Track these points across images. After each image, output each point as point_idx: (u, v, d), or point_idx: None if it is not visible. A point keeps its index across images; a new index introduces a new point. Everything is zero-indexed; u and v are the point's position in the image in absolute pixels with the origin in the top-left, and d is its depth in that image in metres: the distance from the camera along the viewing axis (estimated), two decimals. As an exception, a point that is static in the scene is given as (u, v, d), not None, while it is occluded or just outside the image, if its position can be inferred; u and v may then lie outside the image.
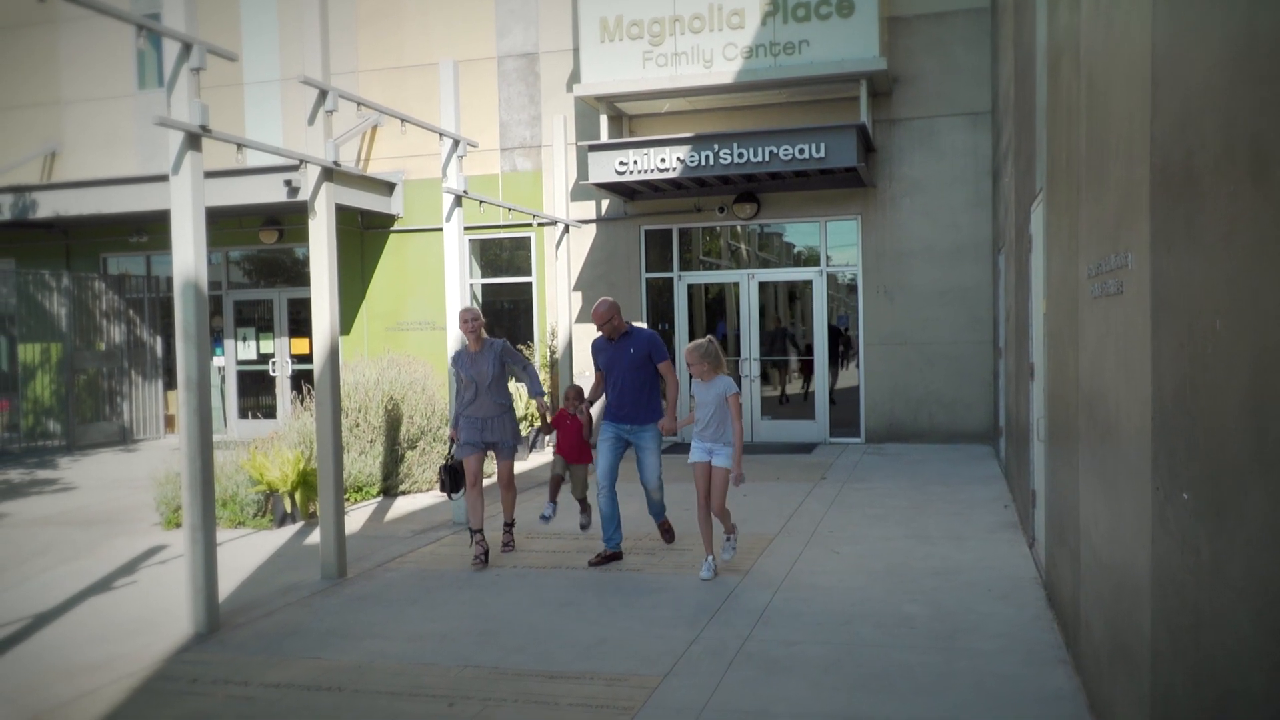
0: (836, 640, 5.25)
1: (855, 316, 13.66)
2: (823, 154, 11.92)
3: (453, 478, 7.41)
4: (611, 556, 7.07)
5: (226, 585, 6.69)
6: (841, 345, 13.89)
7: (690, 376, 6.97)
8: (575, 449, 7.41)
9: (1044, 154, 5.94)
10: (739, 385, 13.93)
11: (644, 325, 7.50)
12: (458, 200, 8.84)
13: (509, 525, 7.54)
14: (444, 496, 9.19)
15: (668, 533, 7.54)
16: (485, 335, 7.40)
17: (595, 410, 8.93)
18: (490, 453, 7.48)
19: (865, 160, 12.48)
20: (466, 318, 7.24)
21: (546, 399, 7.71)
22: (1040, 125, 6.15)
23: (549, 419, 7.43)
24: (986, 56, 12.78)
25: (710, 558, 6.61)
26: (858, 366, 13.64)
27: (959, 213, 13.02)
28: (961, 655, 4.96)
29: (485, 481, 9.10)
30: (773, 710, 4.35)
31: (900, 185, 13.22)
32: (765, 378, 14.16)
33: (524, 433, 11.68)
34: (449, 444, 7.52)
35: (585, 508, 7.62)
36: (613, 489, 7.10)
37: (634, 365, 7.04)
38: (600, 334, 7.21)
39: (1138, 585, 3.15)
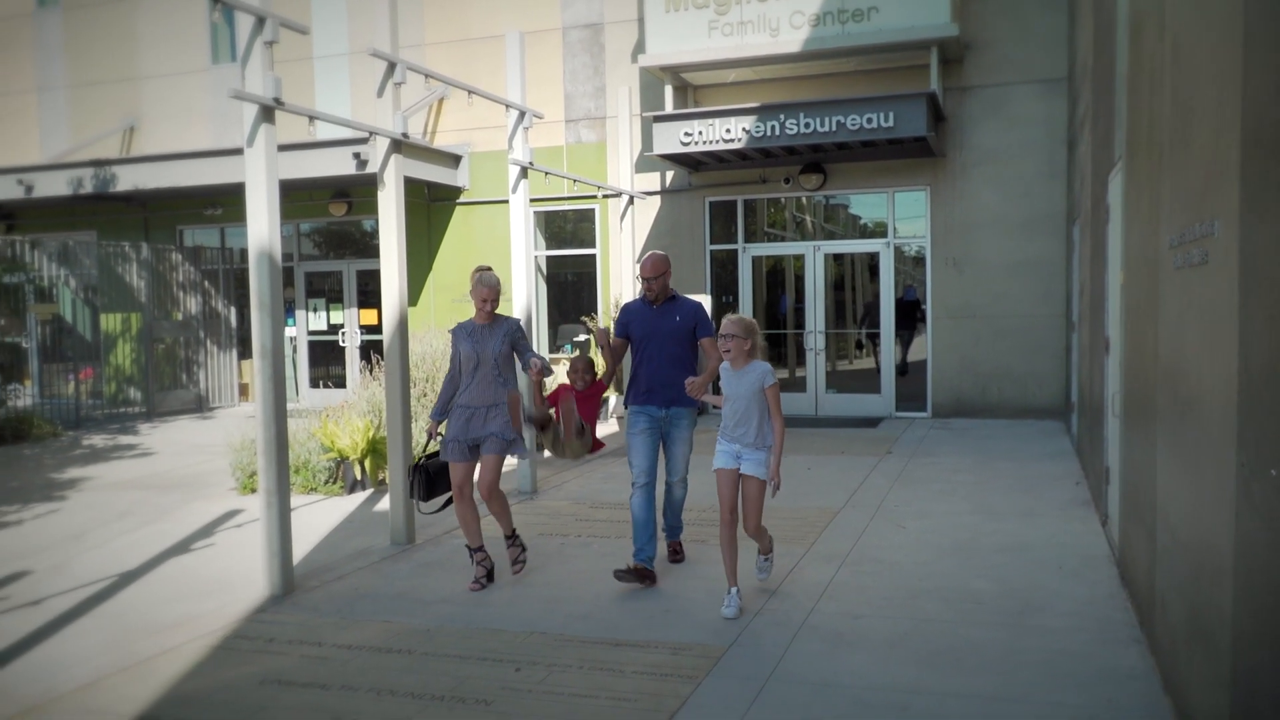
0: (903, 615, 5.22)
1: (923, 289, 13.46)
2: (891, 123, 11.72)
3: (427, 482, 6.12)
4: (642, 571, 5.79)
5: (300, 549, 6.86)
6: (919, 316, 13.67)
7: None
8: (586, 416, 6.27)
9: (1124, 121, 5.77)
10: (798, 361, 13.84)
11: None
12: (523, 172, 8.87)
13: (511, 538, 6.18)
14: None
15: (677, 554, 6.36)
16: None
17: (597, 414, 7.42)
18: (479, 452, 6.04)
19: (935, 129, 12.25)
20: (485, 284, 5.96)
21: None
22: (1120, 92, 5.96)
23: (542, 394, 6.24)
24: (1063, 21, 12.42)
25: (734, 590, 5.32)
26: (925, 340, 13.46)
27: (1031, 183, 12.71)
28: (1031, 633, 4.89)
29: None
30: (838, 682, 4.34)
31: (971, 155, 12.95)
32: (829, 350, 14.04)
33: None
34: (425, 438, 6.22)
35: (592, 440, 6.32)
36: (652, 488, 5.96)
37: (676, 337, 6.07)
38: (634, 299, 6.32)
39: (1219, 565, 3.07)
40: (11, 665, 4.88)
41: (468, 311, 5.67)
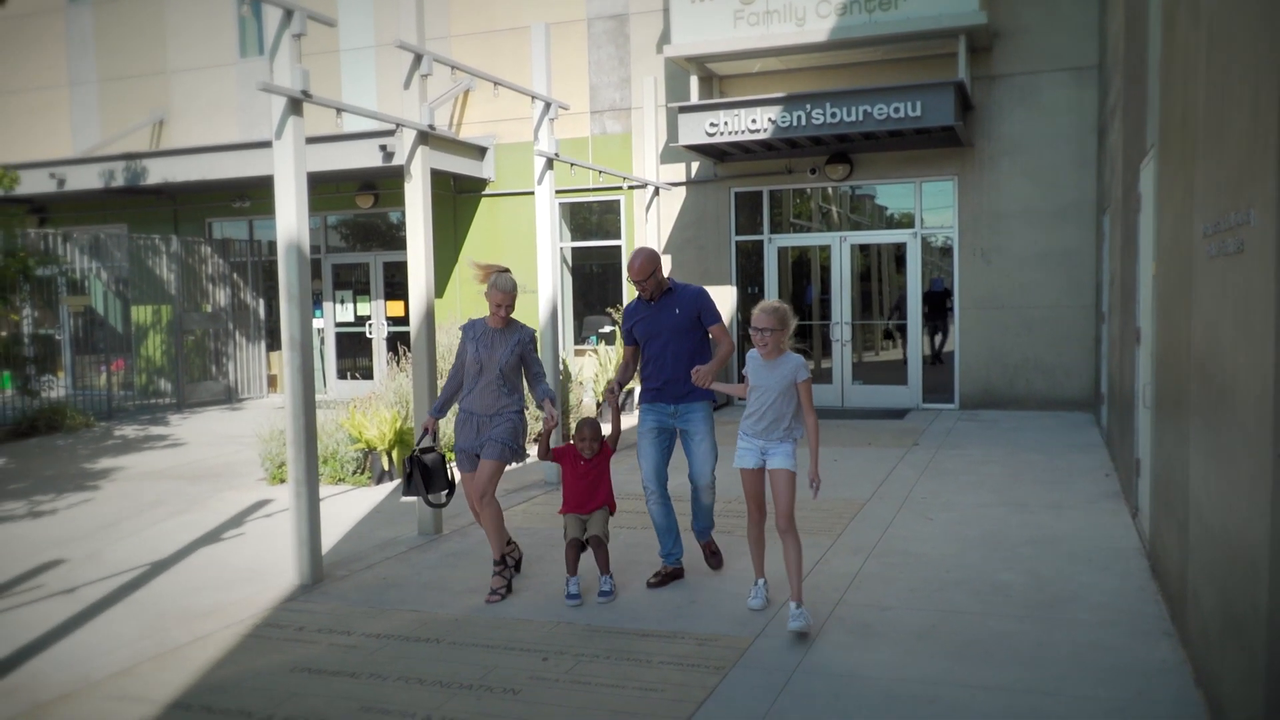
0: (930, 607, 5.20)
1: (950, 280, 13.36)
2: (919, 113, 11.63)
3: (425, 474, 5.73)
4: (673, 574, 5.78)
5: (328, 539, 6.91)
6: (949, 306, 13.59)
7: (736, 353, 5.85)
8: (582, 498, 5.60)
9: (1156, 109, 5.70)
10: (824, 352, 13.78)
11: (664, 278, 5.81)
12: (549, 163, 8.88)
13: (500, 564, 5.68)
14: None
15: (714, 555, 5.98)
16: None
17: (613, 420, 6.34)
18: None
19: (963, 119, 12.14)
20: (501, 289, 5.60)
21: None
22: (1153, 79, 5.89)
23: (549, 444, 5.65)
24: (1093, 8, 12.27)
25: (761, 581, 5.26)
26: (952, 331, 13.38)
27: (1061, 172, 12.59)
28: (1060, 625, 4.86)
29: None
30: (865, 674, 4.33)
31: (999, 144, 12.83)
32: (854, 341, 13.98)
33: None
34: (421, 432, 5.85)
35: (600, 556, 5.56)
36: (664, 492, 5.79)
37: (680, 330, 5.71)
38: (634, 300, 5.92)
39: (1254, 557, 3.04)
40: (47, 652, 4.96)
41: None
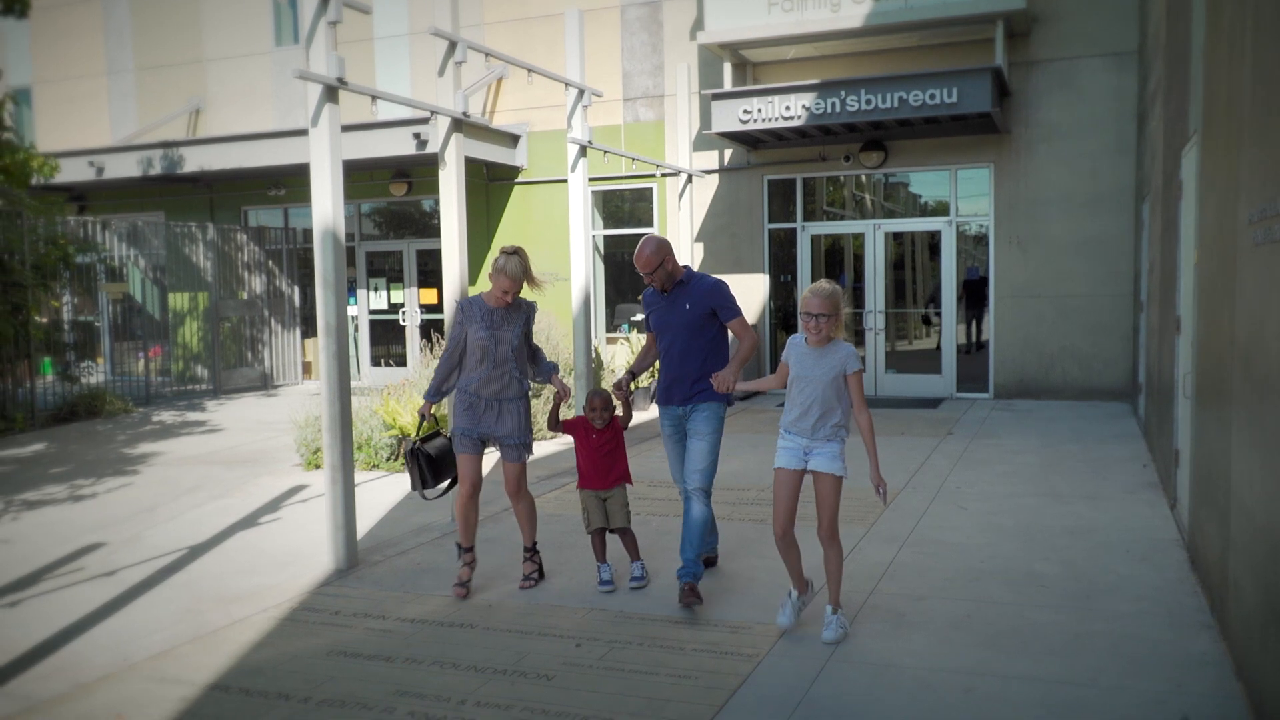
0: (965, 597, 5.16)
1: (985, 268, 13.23)
2: (955, 99, 11.51)
3: (433, 467, 5.49)
4: (708, 562, 5.72)
5: (363, 524, 6.97)
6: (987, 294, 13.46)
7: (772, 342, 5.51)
8: (599, 471, 5.45)
9: (1199, 94, 5.59)
10: (857, 341, 13.70)
11: (686, 267, 5.46)
12: (582, 151, 8.87)
13: (531, 550, 5.63)
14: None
15: (692, 593, 5.03)
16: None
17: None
18: (492, 449, 5.59)
19: (1000, 105, 11.99)
20: (508, 275, 5.23)
21: (567, 382, 5.61)
22: (1196, 63, 5.78)
23: (558, 416, 5.57)
24: (1134, -8, 12.08)
25: (793, 594, 4.70)
26: (988, 319, 13.26)
27: (1099, 159, 12.41)
28: (1097, 616, 4.81)
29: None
30: (900, 663, 4.31)
31: (1036, 131, 12.67)
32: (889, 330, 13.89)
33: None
34: (419, 420, 5.56)
35: (628, 543, 5.52)
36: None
37: (690, 327, 5.28)
38: (650, 288, 5.55)
39: (1298, 548, 2.99)
40: (88, 633, 5.04)
41: (525, 291, 5.44)
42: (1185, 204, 6.32)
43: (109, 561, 6.38)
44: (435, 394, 5.45)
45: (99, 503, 8.13)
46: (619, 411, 5.51)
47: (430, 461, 5.49)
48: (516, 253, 5.30)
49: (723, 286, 5.41)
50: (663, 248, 5.29)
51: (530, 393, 5.48)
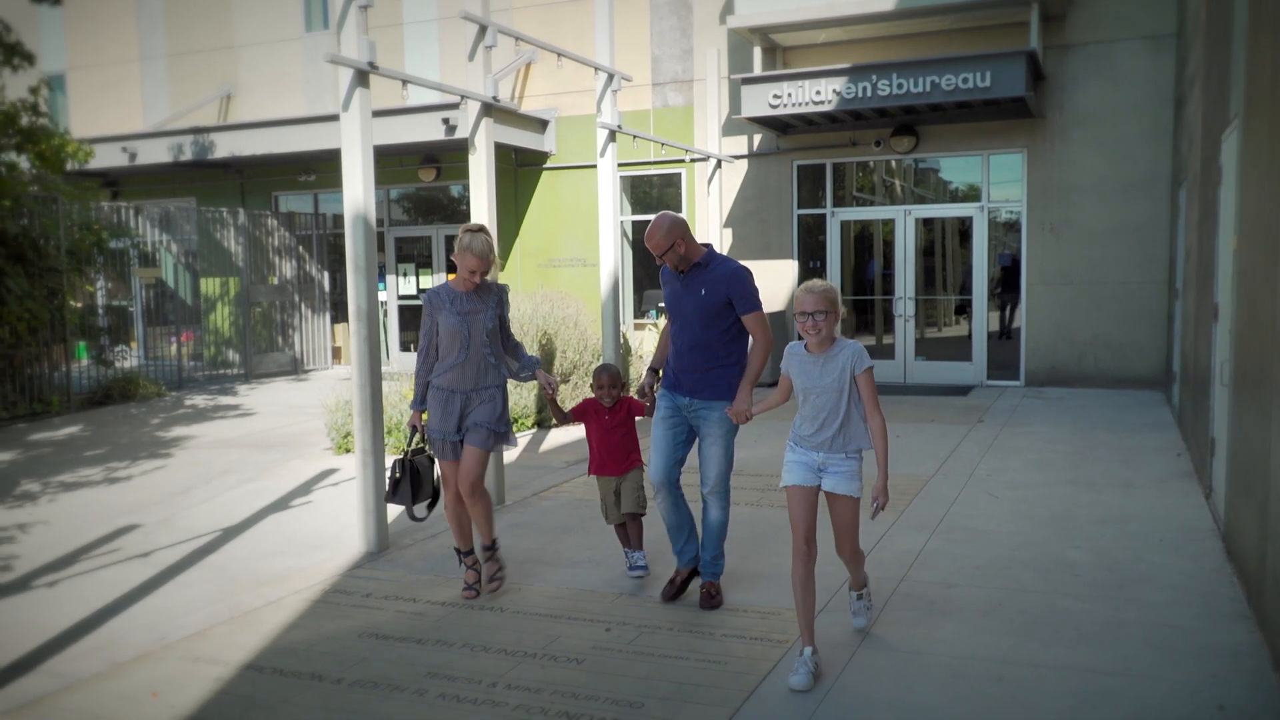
0: (996, 585, 5.13)
1: (1016, 254, 13.10)
2: (988, 83, 11.37)
3: (413, 480, 5.17)
4: (689, 578, 5.06)
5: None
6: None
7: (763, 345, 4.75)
8: (613, 454, 5.24)
9: (1242, 77, 5.49)
10: (886, 328, 13.61)
11: (711, 251, 4.92)
12: (611, 136, 8.85)
13: (490, 549, 5.26)
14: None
15: (712, 597, 4.91)
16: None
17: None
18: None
19: (1034, 89, 11.84)
20: (476, 253, 4.90)
21: (554, 379, 5.11)
22: (1238, 45, 5.68)
23: (565, 408, 5.27)
24: (1173, -26, 11.87)
25: (808, 651, 4.05)
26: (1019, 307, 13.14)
27: (1135, 144, 12.24)
28: (1131, 605, 4.76)
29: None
30: (931, 650, 4.29)
31: (1071, 116, 12.51)
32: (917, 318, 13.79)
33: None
34: (409, 433, 5.19)
35: (634, 529, 5.34)
36: (675, 490, 4.98)
37: (704, 315, 4.79)
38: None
39: (1341, 538, 2.94)
40: (125, 613, 5.11)
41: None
42: (1225, 189, 6.22)
43: (144, 543, 6.47)
44: (421, 401, 5.11)
45: (133, 485, 8.23)
46: (646, 403, 5.18)
47: (415, 477, 5.15)
48: (482, 230, 4.98)
49: (744, 274, 4.83)
50: (675, 229, 4.76)
51: (507, 382, 5.15)
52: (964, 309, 13.57)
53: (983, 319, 13.30)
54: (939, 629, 4.55)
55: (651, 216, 15.00)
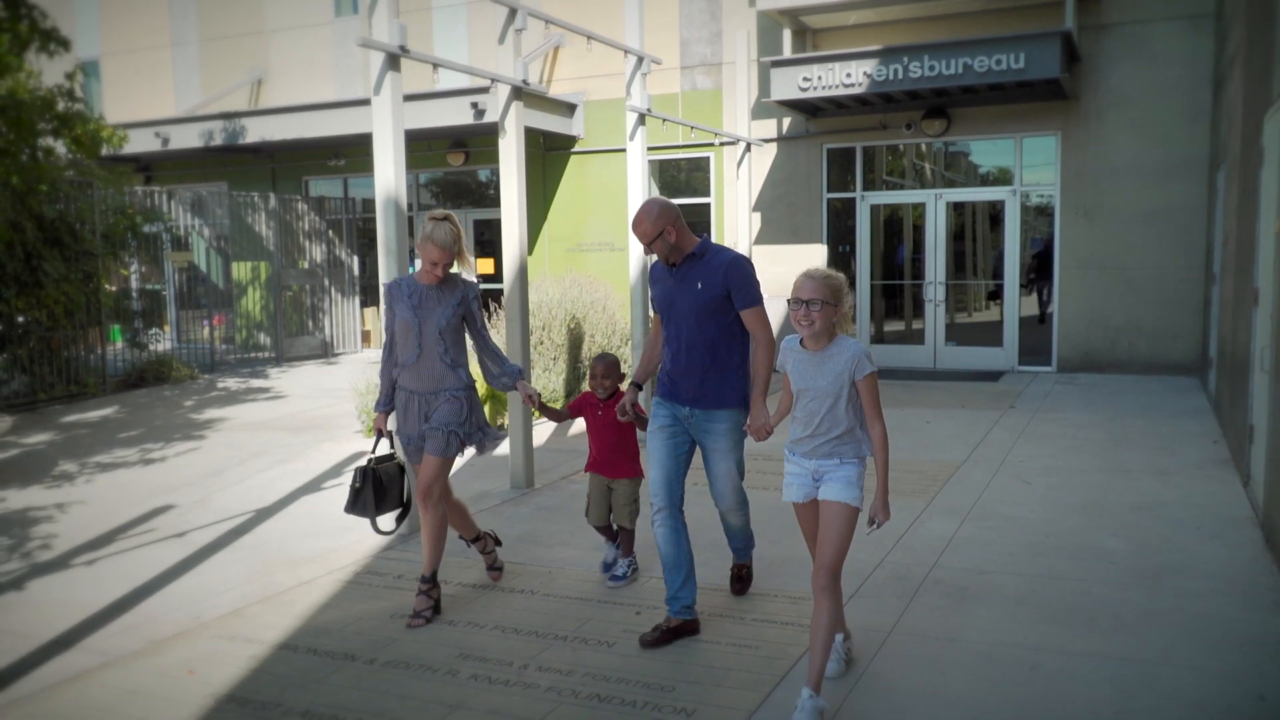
0: (1030, 572, 5.09)
1: (1048, 238, 12.95)
2: (1022, 65, 11.22)
3: (377, 491, 4.73)
4: (679, 629, 4.29)
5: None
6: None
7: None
8: (606, 455, 4.95)
9: (1285, 56, 5.39)
10: (916, 313, 13.50)
11: (703, 240, 4.40)
12: (641, 119, 8.81)
13: (479, 539, 5.04)
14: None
15: (741, 581, 4.81)
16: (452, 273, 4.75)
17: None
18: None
19: (1068, 71, 11.68)
20: (436, 243, 4.47)
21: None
22: (1282, 24, 5.56)
23: (555, 406, 4.84)
24: (1212, -48, 11.66)
25: (839, 638, 3.93)
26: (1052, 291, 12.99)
27: (1171, 127, 12.04)
28: (1168, 594, 4.71)
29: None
30: (963, 637, 4.27)
31: (1106, 98, 12.32)
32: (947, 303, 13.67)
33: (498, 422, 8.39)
34: (376, 437, 4.80)
35: (623, 539, 5.05)
36: (676, 512, 4.37)
37: (701, 310, 4.28)
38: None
39: (1389, 527, 2.88)
40: (161, 592, 5.18)
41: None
42: (1267, 171, 6.10)
43: (179, 523, 6.54)
44: (388, 402, 4.73)
45: (168, 466, 8.33)
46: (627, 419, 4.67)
47: (379, 487, 4.72)
48: (447, 218, 4.54)
49: (744, 263, 4.32)
50: (666, 214, 4.25)
51: (474, 383, 4.72)
52: (996, 294, 13.45)
53: (1014, 304, 13.17)
54: (971, 616, 4.52)
55: (680, 201, 14.96)
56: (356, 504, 4.77)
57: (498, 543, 5.17)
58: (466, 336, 4.77)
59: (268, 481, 7.67)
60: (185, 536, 6.21)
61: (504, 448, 8.50)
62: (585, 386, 4.75)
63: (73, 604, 5.00)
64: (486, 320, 4.87)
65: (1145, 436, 8.45)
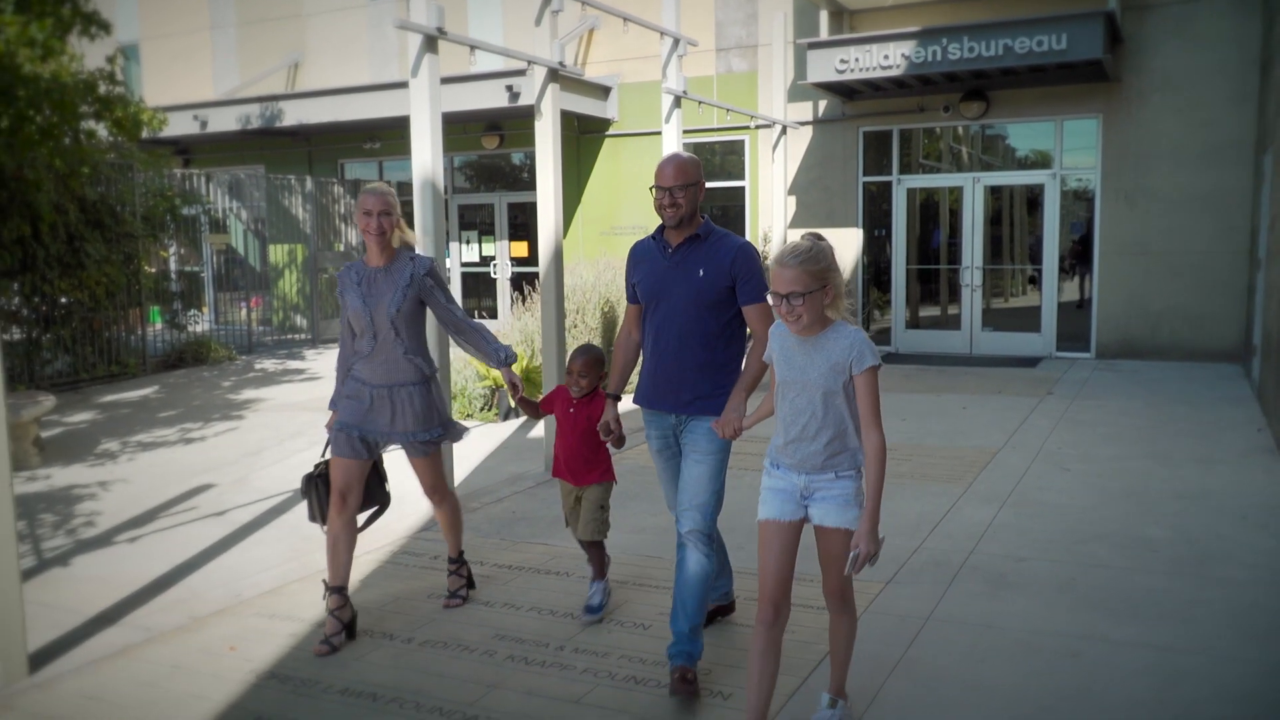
0: (1070, 559, 5.03)
1: (1087, 222, 12.77)
2: (1063, 45, 11.05)
3: (328, 495, 4.26)
4: (714, 611, 4.24)
5: (459, 472, 7.09)
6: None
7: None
8: (573, 459, 4.33)
9: (1340, 36, 5.25)
10: (951, 298, 13.36)
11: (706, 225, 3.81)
12: (677, 101, 8.77)
13: (457, 560, 4.67)
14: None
15: (686, 683, 3.57)
16: (403, 244, 4.25)
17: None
18: (398, 451, 4.41)
19: (1111, 52, 11.48)
20: (377, 192, 4.09)
21: (520, 366, 4.10)
22: (1337, 3, 5.42)
23: (530, 398, 4.37)
24: (1262, -70, 11.40)
25: (826, 700, 3.34)
26: (1091, 277, 12.82)
27: (1216, 109, 11.82)
28: (1212, 583, 4.65)
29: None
30: (1002, 624, 4.23)
31: (1149, 79, 12.11)
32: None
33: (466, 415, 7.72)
34: (328, 439, 4.32)
35: (593, 557, 4.47)
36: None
37: (700, 301, 3.70)
38: (645, 237, 3.97)
39: None
40: (202, 569, 5.24)
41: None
42: (1317, 154, 5.97)
43: (219, 502, 6.62)
44: (340, 399, 4.29)
45: (208, 445, 8.43)
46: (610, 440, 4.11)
47: (329, 492, 4.27)
48: (378, 184, 4.20)
49: (752, 251, 3.75)
50: (696, 169, 3.70)
51: (434, 373, 4.30)
52: (1034, 279, 13.29)
53: (1053, 289, 13.01)
54: (1010, 603, 4.48)
55: (714, 184, 14.88)
56: (312, 512, 4.37)
57: (470, 585, 4.73)
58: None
59: (305, 462, 7.70)
60: (225, 515, 6.29)
61: (537, 429, 8.54)
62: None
63: (116, 580, 5.08)
64: (452, 295, 4.38)
65: (1187, 424, 8.33)
